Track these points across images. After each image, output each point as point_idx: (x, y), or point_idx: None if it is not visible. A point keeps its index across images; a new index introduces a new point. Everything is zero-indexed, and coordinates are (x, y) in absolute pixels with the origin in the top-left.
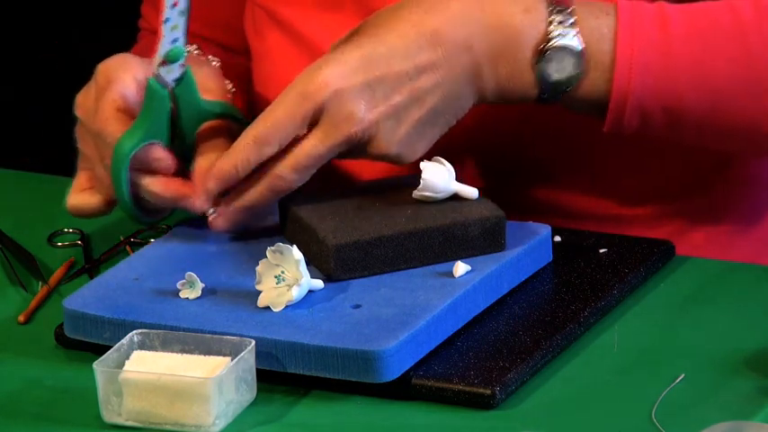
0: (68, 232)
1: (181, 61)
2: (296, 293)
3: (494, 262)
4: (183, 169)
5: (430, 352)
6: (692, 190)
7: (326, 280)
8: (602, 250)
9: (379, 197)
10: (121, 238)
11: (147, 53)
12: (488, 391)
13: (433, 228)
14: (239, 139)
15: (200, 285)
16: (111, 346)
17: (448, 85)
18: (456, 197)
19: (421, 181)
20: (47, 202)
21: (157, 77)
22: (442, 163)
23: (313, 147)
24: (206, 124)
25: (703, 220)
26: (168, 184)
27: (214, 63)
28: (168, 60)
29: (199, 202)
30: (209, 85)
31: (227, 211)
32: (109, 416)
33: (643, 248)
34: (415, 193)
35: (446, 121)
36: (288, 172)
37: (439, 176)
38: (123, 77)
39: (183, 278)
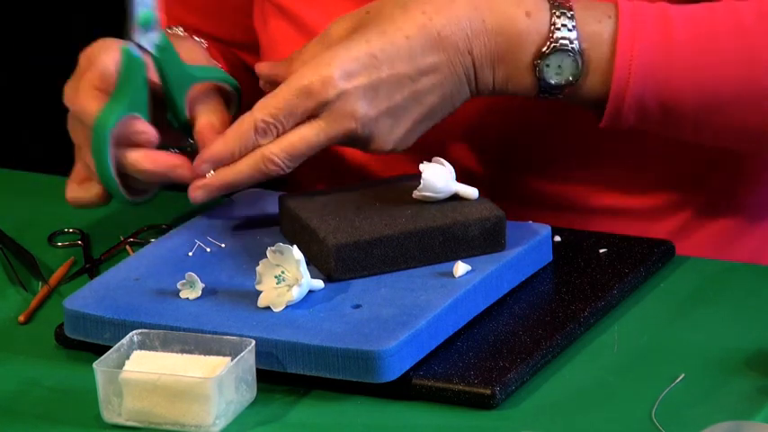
0: (68, 232)
1: (153, 25)
2: (296, 293)
3: (494, 262)
4: (178, 137)
5: (430, 352)
6: (692, 184)
7: (327, 280)
8: (602, 250)
9: (379, 197)
10: (121, 238)
11: None
12: (488, 391)
13: (433, 228)
14: (237, 124)
15: (201, 285)
16: (112, 347)
17: (447, 86)
18: (456, 197)
19: (421, 181)
20: (47, 202)
21: (133, 45)
22: (441, 163)
23: (312, 136)
24: (196, 88)
25: (704, 215)
26: (156, 158)
27: (203, 44)
28: (141, 26)
29: (190, 175)
30: (194, 56)
31: (210, 185)
32: (109, 416)
33: (643, 248)
34: (415, 193)
35: (440, 117)
36: (282, 156)
37: (439, 176)
38: (103, 58)
39: (183, 278)
